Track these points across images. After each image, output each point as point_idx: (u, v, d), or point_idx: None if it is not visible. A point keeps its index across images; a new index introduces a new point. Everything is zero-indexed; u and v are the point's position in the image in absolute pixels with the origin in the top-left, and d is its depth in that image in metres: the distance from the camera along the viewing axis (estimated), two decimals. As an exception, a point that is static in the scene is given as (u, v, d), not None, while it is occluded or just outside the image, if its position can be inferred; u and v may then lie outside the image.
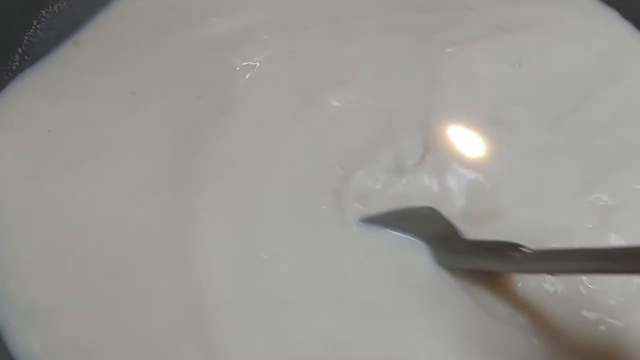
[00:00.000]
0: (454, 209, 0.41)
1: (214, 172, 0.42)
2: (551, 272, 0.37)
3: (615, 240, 0.40)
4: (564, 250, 0.34)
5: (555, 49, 0.50)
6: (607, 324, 0.38)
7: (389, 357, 0.36)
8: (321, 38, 0.50)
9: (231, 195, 0.41)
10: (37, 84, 0.46)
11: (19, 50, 0.48)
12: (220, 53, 0.48)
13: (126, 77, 0.46)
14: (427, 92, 0.47)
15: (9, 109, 0.45)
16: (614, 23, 0.54)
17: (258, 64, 0.48)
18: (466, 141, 0.45)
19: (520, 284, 0.38)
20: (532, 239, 0.35)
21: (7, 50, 0.47)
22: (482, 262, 0.37)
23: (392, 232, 0.40)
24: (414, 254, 0.39)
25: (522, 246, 0.34)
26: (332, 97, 0.46)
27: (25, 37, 0.48)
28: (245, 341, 0.36)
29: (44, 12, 0.49)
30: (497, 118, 0.46)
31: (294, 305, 0.37)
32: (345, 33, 0.50)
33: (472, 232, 0.39)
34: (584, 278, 0.39)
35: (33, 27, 0.49)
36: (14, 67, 0.48)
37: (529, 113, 0.47)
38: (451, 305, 0.38)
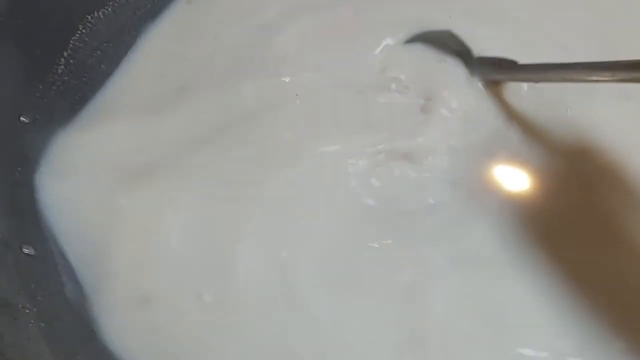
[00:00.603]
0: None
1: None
2: (536, 80, 0.49)
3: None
4: (547, 63, 0.44)
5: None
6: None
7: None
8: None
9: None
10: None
11: (65, 54, 0.49)
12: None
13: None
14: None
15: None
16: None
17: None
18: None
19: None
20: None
21: (53, 54, 0.49)
22: (489, 72, 0.50)
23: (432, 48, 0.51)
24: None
25: (515, 61, 0.47)
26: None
27: (71, 42, 0.49)
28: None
29: (89, 17, 0.50)
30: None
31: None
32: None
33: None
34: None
35: (79, 32, 0.50)
36: (59, 71, 0.49)
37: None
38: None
